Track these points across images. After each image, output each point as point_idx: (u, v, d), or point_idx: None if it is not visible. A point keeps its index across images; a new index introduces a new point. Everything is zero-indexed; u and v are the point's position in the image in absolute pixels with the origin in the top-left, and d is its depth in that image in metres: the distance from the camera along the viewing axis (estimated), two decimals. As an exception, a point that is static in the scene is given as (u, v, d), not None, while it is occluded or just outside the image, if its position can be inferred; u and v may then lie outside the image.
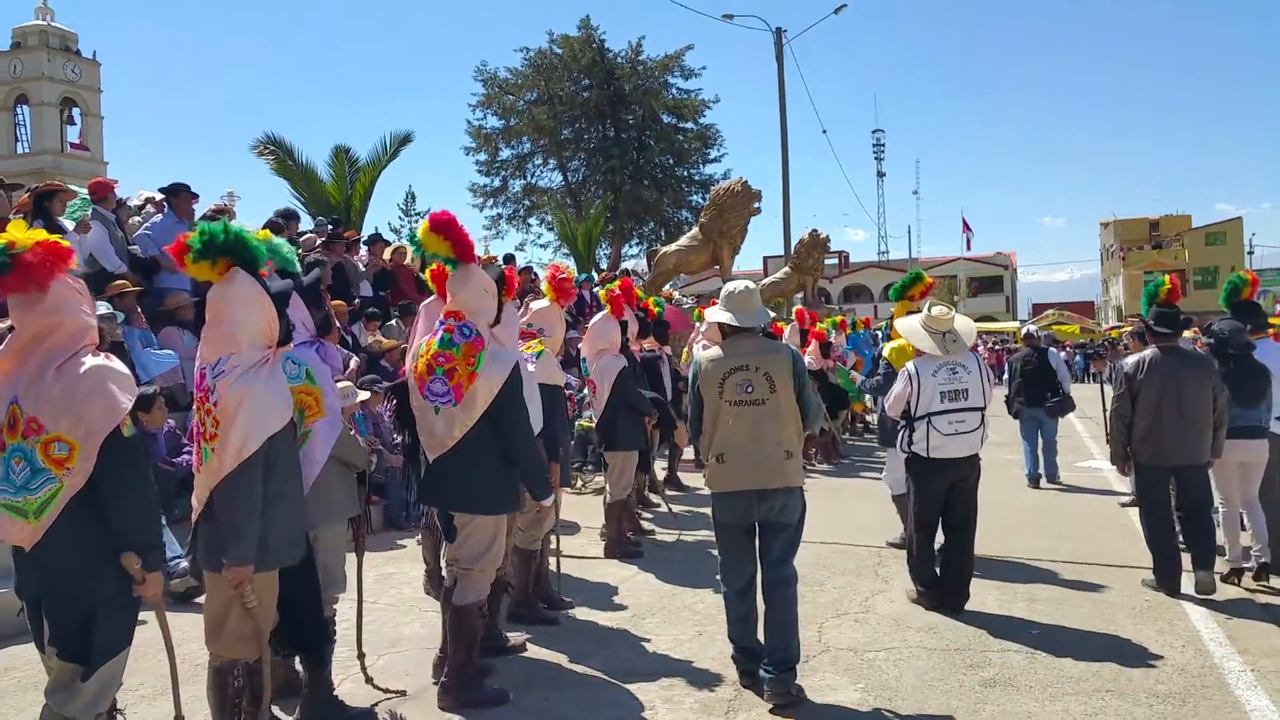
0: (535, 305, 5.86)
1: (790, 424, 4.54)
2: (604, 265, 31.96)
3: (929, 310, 6.01)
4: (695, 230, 17.83)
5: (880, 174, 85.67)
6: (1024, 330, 12.27)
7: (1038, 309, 60.71)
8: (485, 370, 4.15)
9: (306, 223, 14.42)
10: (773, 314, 10.63)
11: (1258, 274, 13.75)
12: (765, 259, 60.14)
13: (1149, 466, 6.26)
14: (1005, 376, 12.59)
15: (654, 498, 8.91)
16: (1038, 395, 11.22)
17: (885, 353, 7.32)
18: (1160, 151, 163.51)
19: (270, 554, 3.51)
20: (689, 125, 36.92)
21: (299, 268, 4.14)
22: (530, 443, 4.32)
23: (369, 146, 30.07)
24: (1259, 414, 6.30)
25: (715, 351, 4.64)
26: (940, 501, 5.91)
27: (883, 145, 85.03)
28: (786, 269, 22.42)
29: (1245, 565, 6.36)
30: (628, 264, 26.49)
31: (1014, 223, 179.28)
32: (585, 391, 7.10)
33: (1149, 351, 6.33)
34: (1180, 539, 6.22)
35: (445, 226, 4.28)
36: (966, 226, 64.26)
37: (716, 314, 4.67)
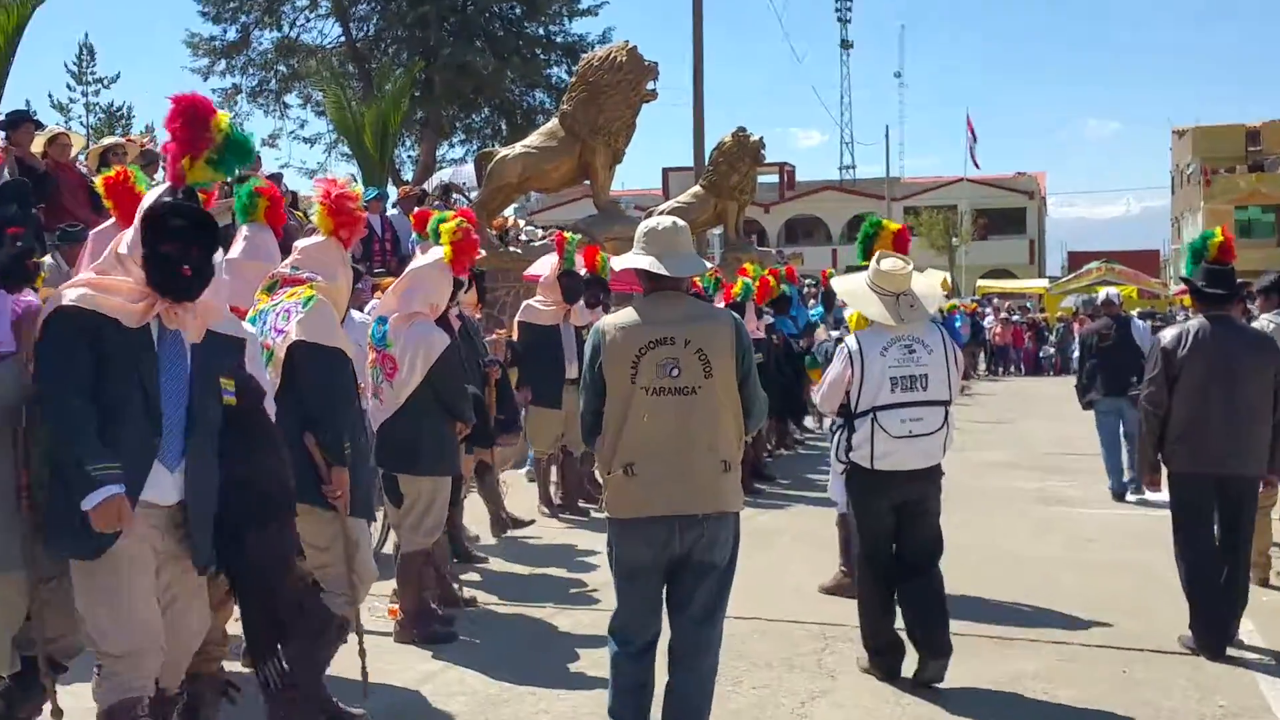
0: (304, 241, 5.83)
1: (730, 423, 4.69)
2: (409, 177, 30.24)
3: (878, 263, 6.16)
4: (554, 123, 16.57)
5: (845, 44, 77.87)
6: (1102, 294, 12.97)
7: (1077, 259, 58.30)
8: None
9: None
10: (709, 263, 9.94)
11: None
12: (666, 173, 57.73)
13: (1186, 474, 6.69)
14: (1076, 357, 13.57)
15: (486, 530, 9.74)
16: (1119, 381, 11.64)
17: (847, 315, 7.41)
18: (1266, 28, 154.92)
19: None
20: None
21: None
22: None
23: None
24: None
25: (628, 316, 4.75)
26: (888, 531, 6.15)
27: (849, 2, 77.83)
28: (698, 189, 21.73)
29: None
30: (444, 174, 23.51)
31: (1044, 129, 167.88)
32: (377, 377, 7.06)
33: (1194, 322, 6.73)
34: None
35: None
36: (972, 132, 58.61)
37: (633, 259, 4.77)
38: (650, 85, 15.83)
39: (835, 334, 8.14)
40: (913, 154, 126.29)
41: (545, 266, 11.01)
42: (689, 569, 4.65)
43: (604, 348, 4.68)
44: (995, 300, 40.68)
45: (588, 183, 16.66)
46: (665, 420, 4.59)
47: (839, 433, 6.22)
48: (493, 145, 24.96)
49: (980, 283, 50.04)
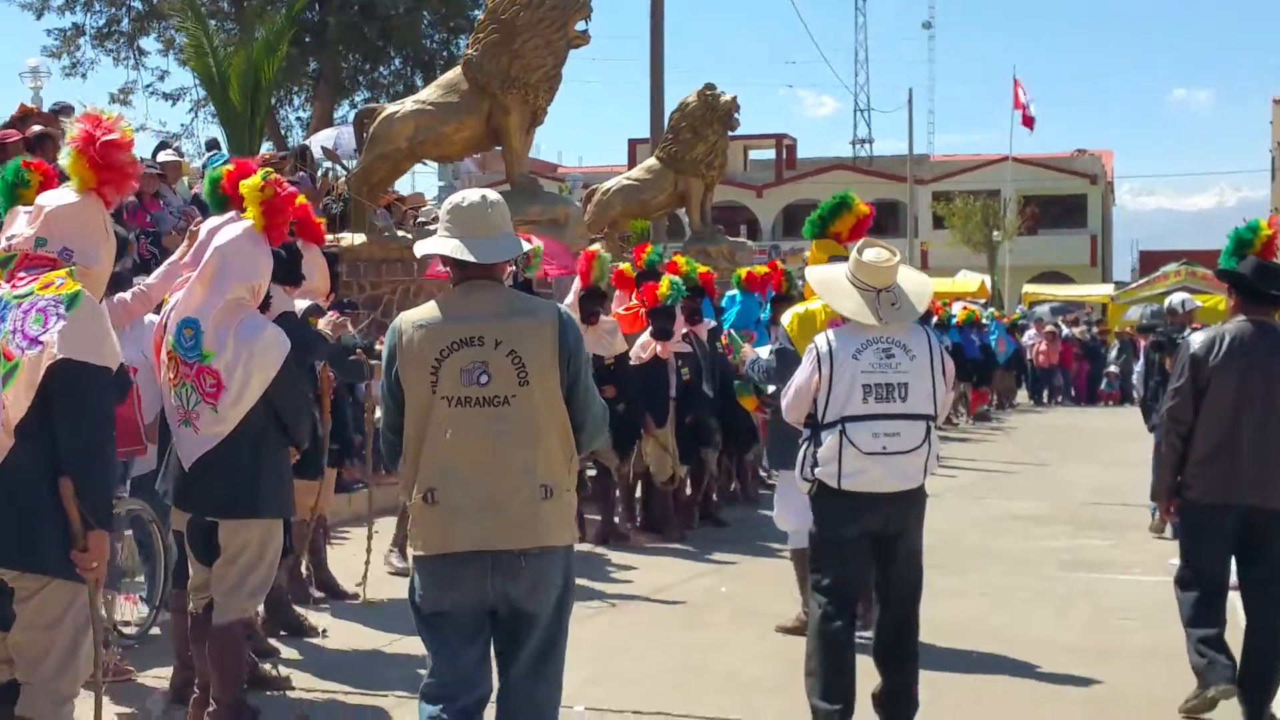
0: (51, 199, 5.47)
1: (552, 439, 4.87)
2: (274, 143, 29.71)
3: (859, 252, 6.46)
4: (455, 72, 16.75)
5: None
6: (1168, 302, 13.66)
7: (1151, 260, 58.23)
8: None
9: None
10: (538, 244, 10.83)
11: None
12: (633, 145, 58.25)
13: (1202, 506, 6.86)
14: (1140, 370, 14.00)
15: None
16: None
17: (785, 321, 7.82)
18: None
19: None
20: None
21: None
22: None
23: None
24: None
25: (429, 311, 4.95)
26: (859, 564, 6.44)
27: None
28: (653, 161, 21.78)
29: None
30: (322, 136, 22.79)
31: (1112, 98, 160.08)
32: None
33: (1231, 325, 6.86)
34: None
35: None
36: (1021, 102, 55.40)
37: (435, 243, 5.01)
38: (581, 25, 15.63)
39: (767, 348, 8.49)
40: (947, 127, 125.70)
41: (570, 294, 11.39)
42: (509, 617, 4.83)
43: (400, 350, 4.82)
44: (1039, 311, 40.45)
45: (501, 151, 16.37)
46: (472, 437, 4.73)
47: (804, 446, 6.46)
48: (378, 103, 24.27)
49: (1028, 288, 49.62)
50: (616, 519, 12.30)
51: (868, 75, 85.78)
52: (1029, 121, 54.18)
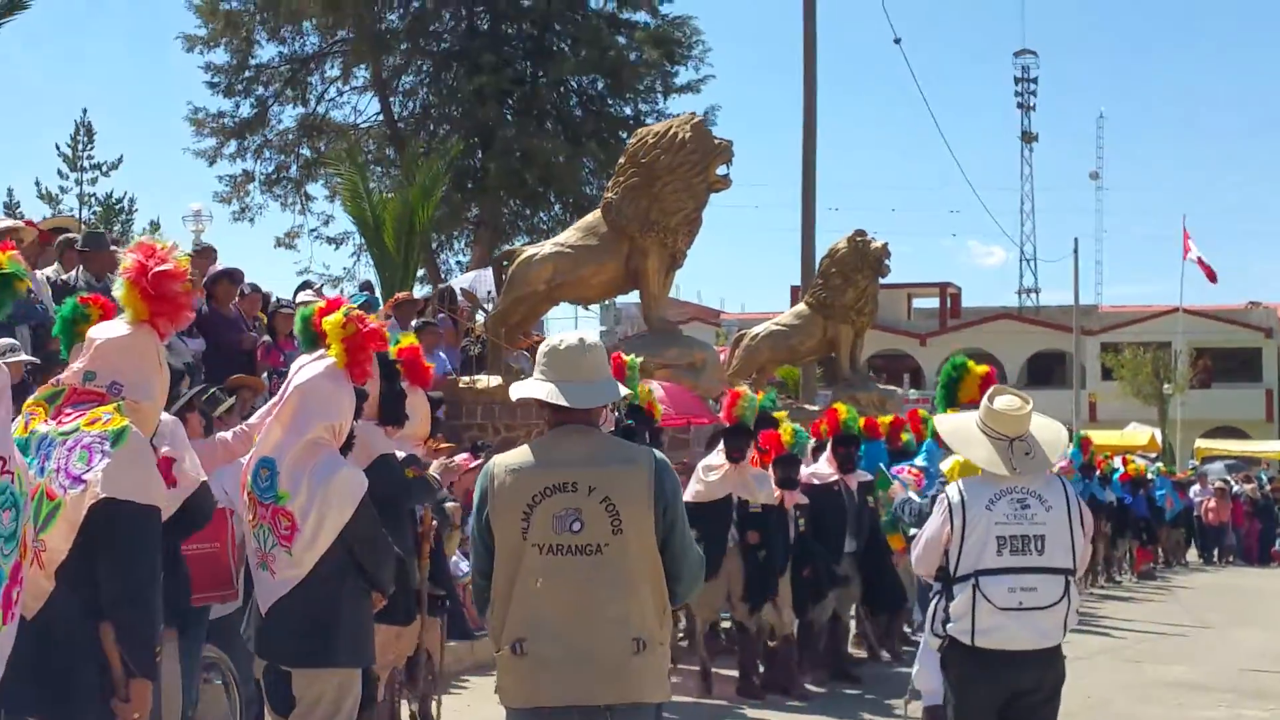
0: (102, 333, 5.45)
1: (645, 589, 4.79)
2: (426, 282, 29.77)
3: (989, 400, 6.48)
4: (594, 215, 16.82)
5: (1028, 136, 78.70)
6: None
7: None
8: None
9: None
10: (654, 387, 10.14)
11: None
12: (794, 291, 54.85)
13: None
14: None
15: None
16: None
17: (945, 467, 7.75)
18: None
19: None
20: (640, 18, 34.28)
21: None
22: None
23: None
24: None
25: (521, 455, 4.94)
26: None
27: (1033, 82, 78.36)
28: (802, 307, 21.77)
29: None
30: (460, 281, 23.02)
31: None
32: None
33: None
34: None
35: None
36: (1193, 252, 51.95)
37: (530, 386, 5.00)
38: (722, 169, 15.62)
39: (911, 494, 8.33)
40: (1116, 278, 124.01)
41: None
42: None
43: (491, 494, 4.79)
44: (1210, 468, 39.12)
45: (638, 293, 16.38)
46: (563, 586, 4.69)
47: (935, 600, 6.49)
48: (519, 244, 24.89)
49: (1200, 443, 48.59)
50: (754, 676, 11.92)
51: (1034, 224, 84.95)
52: (1211, 274, 52.61)
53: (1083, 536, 6.36)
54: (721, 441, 11.35)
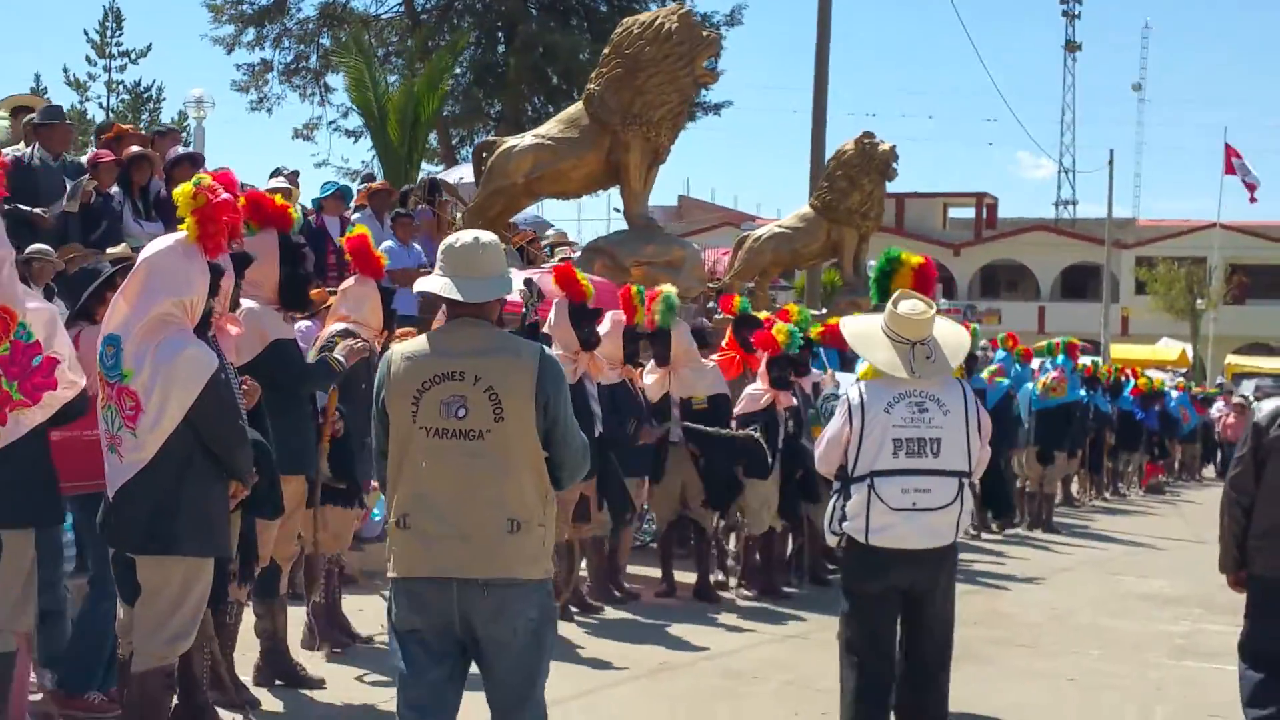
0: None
1: (524, 475, 5.05)
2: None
3: (893, 304, 6.54)
4: (577, 107, 16.40)
5: (1072, 45, 77.59)
6: None
7: None
8: None
9: None
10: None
11: None
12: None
13: (1264, 581, 6.59)
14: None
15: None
16: None
17: (859, 371, 7.40)
18: None
19: None
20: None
21: None
22: None
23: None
24: None
25: (417, 344, 5.21)
26: (886, 623, 6.50)
27: None
28: (806, 209, 21.23)
29: None
30: (444, 171, 23.72)
31: None
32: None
33: None
34: None
35: None
36: (1233, 166, 53.47)
37: (425, 282, 5.25)
38: (708, 63, 15.31)
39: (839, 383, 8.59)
40: (1157, 193, 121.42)
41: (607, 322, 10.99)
42: (478, 645, 5.01)
43: (388, 379, 5.08)
44: (1229, 385, 38.86)
45: (618, 189, 16.05)
46: (445, 467, 4.94)
47: (834, 499, 6.60)
48: (497, 135, 24.14)
49: (1231, 359, 48.72)
50: (712, 577, 11.95)
51: (1074, 136, 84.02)
52: (1251, 188, 52.71)
53: (980, 440, 6.47)
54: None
